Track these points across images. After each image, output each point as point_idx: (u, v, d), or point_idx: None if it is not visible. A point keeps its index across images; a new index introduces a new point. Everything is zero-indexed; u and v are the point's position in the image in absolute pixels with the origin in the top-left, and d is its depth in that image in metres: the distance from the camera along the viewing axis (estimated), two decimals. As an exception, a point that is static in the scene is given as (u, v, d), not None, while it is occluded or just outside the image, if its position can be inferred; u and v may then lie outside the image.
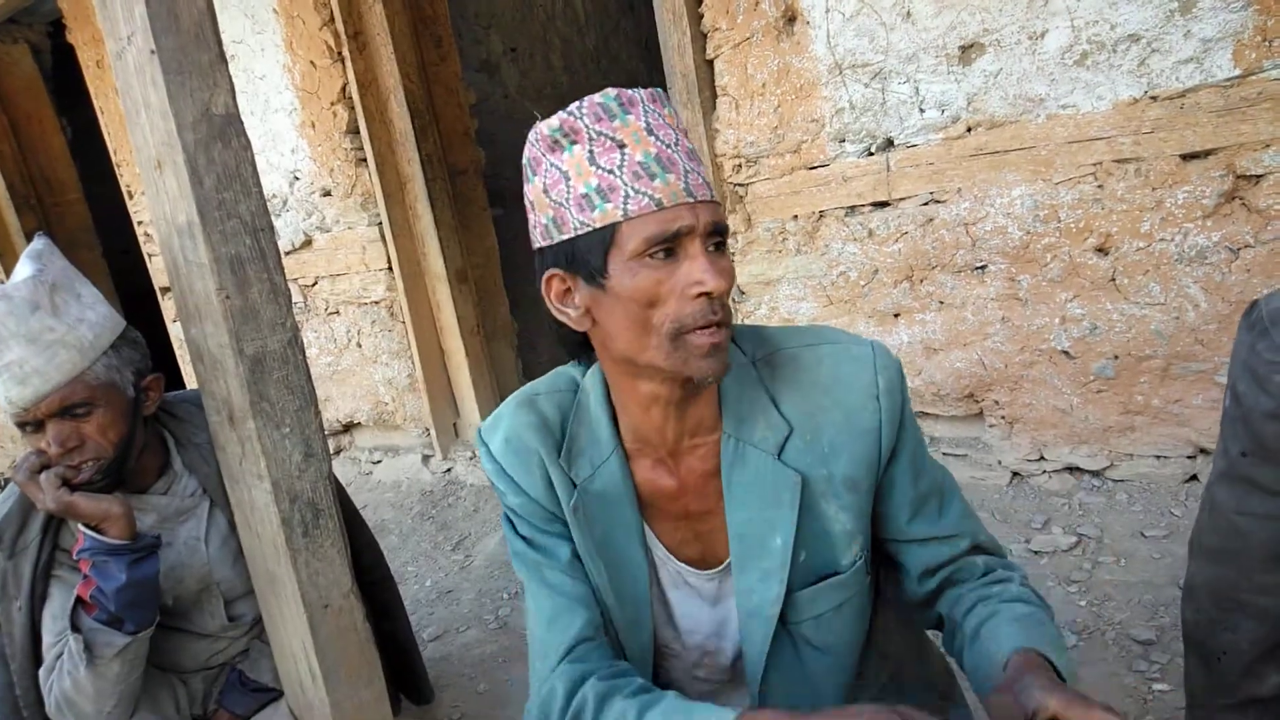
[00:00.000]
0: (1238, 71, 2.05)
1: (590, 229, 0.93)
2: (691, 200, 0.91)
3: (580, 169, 0.93)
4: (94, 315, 1.56)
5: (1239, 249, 2.15)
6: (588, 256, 0.94)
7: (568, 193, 0.94)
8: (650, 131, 0.93)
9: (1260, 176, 2.09)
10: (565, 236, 0.95)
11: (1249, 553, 0.99)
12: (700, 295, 0.91)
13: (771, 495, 1.02)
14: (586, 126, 0.93)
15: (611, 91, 0.95)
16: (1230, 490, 0.99)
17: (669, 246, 0.91)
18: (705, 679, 1.19)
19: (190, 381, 4.60)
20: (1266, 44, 2.00)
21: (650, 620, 1.11)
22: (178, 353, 4.73)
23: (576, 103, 0.95)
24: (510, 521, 1.14)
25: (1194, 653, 1.11)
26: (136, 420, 1.62)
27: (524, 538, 1.12)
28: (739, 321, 2.94)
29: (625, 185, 0.91)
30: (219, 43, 1.53)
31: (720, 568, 1.10)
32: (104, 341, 1.56)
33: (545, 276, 0.99)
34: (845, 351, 1.05)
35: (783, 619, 1.07)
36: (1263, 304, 0.95)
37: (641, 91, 0.95)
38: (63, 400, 1.50)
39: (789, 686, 1.10)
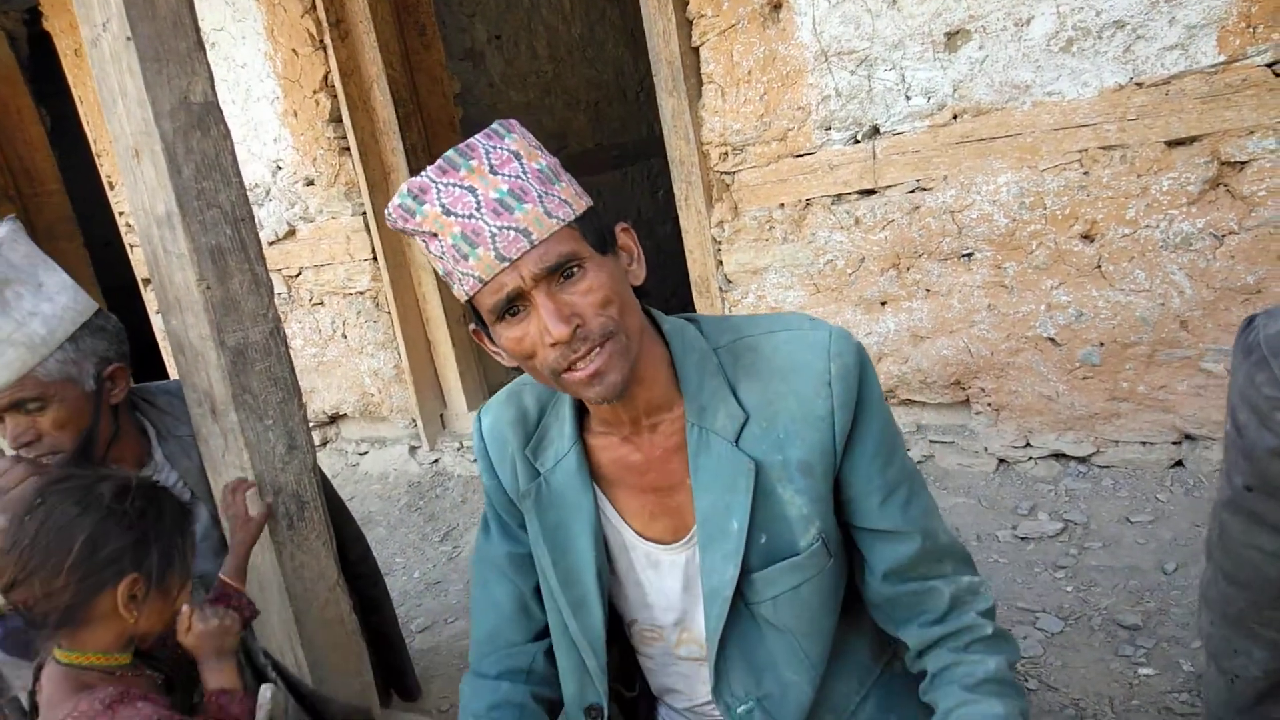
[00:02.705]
0: (1222, 58, 2.05)
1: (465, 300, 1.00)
2: (507, 262, 0.93)
3: (429, 255, 1.00)
4: (50, 308, 1.52)
5: (1224, 235, 2.16)
6: (480, 320, 1.02)
7: (440, 268, 1.01)
8: (447, 211, 0.94)
9: (1244, 163, 2.09)
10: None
11: (1258, 585, 0.95)
12: (554, 344, 0.95)
13: (730, 480, 1.05)
14: (404, 226, 0.99)
15: (430, 167, 0.97)
16: (1237, 520, 0.94)
17: (513, 307, 0.96)
18: (686, 657, 1.21)
19: (174, 374, 4.56)
20: (1250, 30, 2.00)
21: (600, 602, 1.15)
22: (162, 345, 4.69)
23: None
24: (486, 502, 1.26)
25: (1212, 663, 1.08)
26: (98, 412, 1.59)
27: (486, 522, 1.27)
28: (725, 311, 2.94)
29: (454, 268, 0.96)
30: (197, 30, 1.51)
31: (689, 536, 1.12)
32: (59, 335, 1.52)
33: (471, 329, 1.07)
34: (802, 338, 1.07)
35: (744, 598, 1.09)
36: (1260, 328, 0.88)
37: (460, 148, 0.96)
38: (12, 397, 1.48)
39: (748, 664, 1.13)
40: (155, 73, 1.45)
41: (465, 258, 0.94)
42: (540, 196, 0.94)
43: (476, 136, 0.97)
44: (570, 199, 0.97)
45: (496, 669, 1.25)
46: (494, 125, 0.99)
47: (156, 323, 4.68)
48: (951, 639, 1.06)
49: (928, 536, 1.07)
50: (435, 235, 0.95)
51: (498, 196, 0.93)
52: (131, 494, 1.26)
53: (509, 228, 0.92)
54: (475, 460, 3.77)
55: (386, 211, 0.99)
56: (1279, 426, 0.85)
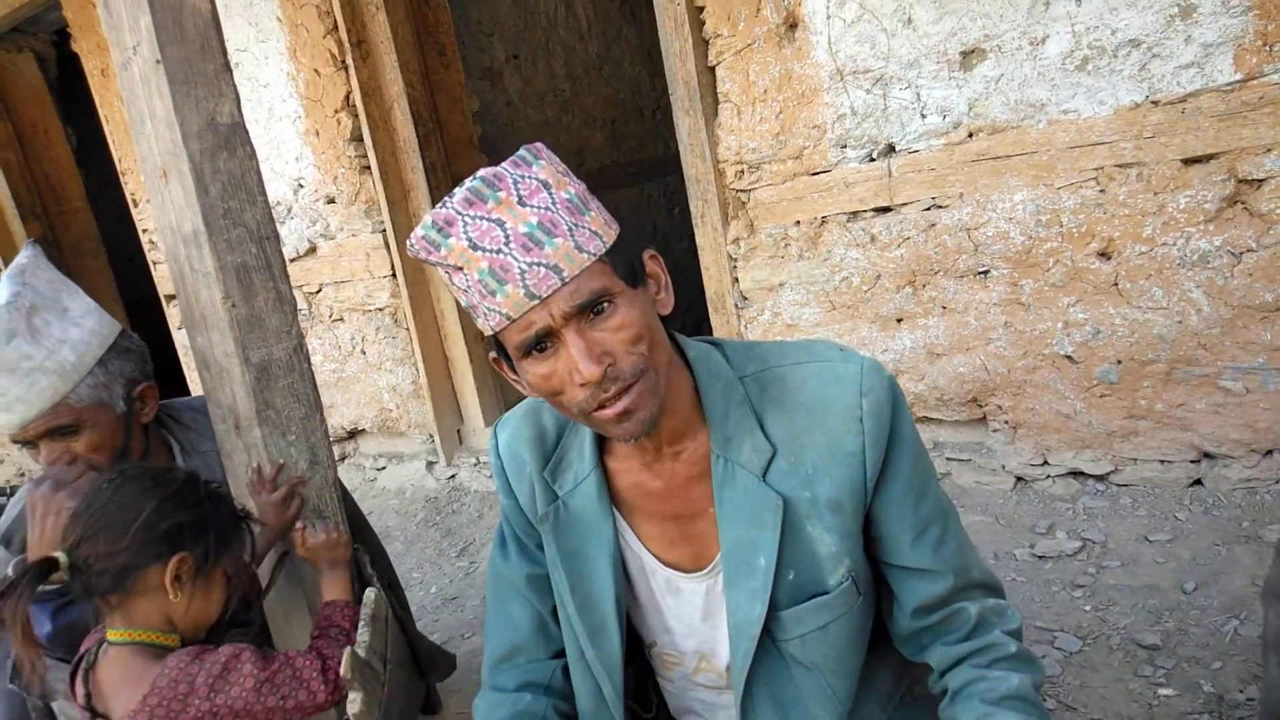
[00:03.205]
0: (1238, 76, 2.05)
1: (489, 333, 0.97)
2: (536, 300, 0.89)
3: (452, 286, 0.96)
4: (78, 333, 1.54)
5: (1241, 253, 2.15)
6: (502, 350, 0.98)
7: (464, 300, 0.97)
8: (474, 246, 0.90)
9: (1262, 181, 2.09)
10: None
11: None
12: (584, 384, 0.91)
13: (756, 516, 1.03)
14: (427, 259, 0.95)
15: (455, 196, 0.92)
16: None
17: (540, 344, 0.92)
18: (705, 684, 1.20)
19: (196, 389, 4.61)
20: (1267, 49, 2.01)
21: (618, 630, 1.13)
22: (184, 360, 4.74)
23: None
24: (502, 520, 1.25)
25: (1276, 659, 1.04)
26: (130, 431, 1.62)
27: (503, 540, 1.25)
28: (741, 328, 2.95)
29: (480, 303, 0.92)
30: (224, 52, 1.54)
31: (711, 566, 1.10)
32: (89, 360, 1.54)
33: (492, 358, 1.04)
34: (831, 371, 1.03)
35: (771, 636, 1.07)
36: None
37: (487, 176, 0.92)
38: (47, 425, 1.51)
39: (775, 701, 1.11)
40: (184, 94, 1.49)
41: (492, 294, 0.90)
42: (570, 229, 0.90)
43: (503, 164, 0.93)
44: (600, 229, 0.93)
45: (515, 682, 1.22)
46: (521, 151, 0.95)
47: (179, 337, 4.74)
48: (975, 656, 1.03)
49: (960, 574, 1.05)
50: (460, 269, 0.92)
51: (527, 231, 0.89)
52: (199, 485, 1.37)
53: (539, 264, 0.88)
54: (492, 476, 3.77)
55: (409, 243, 0.95)
56: None
